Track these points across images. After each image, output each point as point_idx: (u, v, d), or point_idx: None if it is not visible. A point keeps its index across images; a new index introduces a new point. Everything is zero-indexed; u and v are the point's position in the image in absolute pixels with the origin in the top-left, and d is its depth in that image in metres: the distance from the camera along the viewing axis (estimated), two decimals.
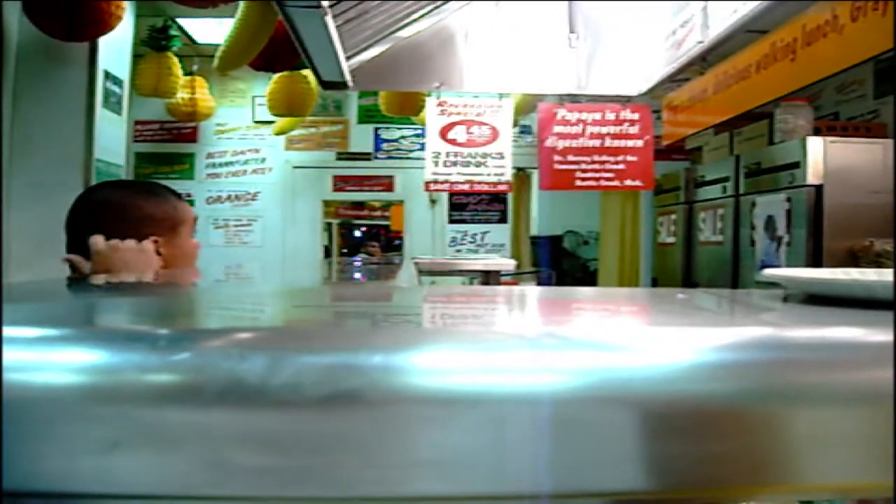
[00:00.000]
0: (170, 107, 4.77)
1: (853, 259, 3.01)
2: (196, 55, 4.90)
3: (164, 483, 0.31)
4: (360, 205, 7.67)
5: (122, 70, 3.50)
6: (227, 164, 5.77)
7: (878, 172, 3.10)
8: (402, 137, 5.85)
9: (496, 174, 4.05)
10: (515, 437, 0.32)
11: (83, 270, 1.31)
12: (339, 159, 5.87)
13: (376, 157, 5.87)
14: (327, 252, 6.67)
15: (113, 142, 3.39)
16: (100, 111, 3.21)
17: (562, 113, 3.78)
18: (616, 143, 3.77)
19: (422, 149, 4.81)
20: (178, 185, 5.30)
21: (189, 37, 4.79)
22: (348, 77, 3.23)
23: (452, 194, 5.59)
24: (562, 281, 6.48)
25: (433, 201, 5.83)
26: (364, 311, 0.67)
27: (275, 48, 3.41)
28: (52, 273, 1.41)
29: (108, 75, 3.30)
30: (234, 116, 5.72)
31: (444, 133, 4.02)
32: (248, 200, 5.78)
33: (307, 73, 3.96)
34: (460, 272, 3.95)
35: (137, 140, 5.56)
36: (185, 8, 3.10)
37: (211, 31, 4.60)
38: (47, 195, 2.82)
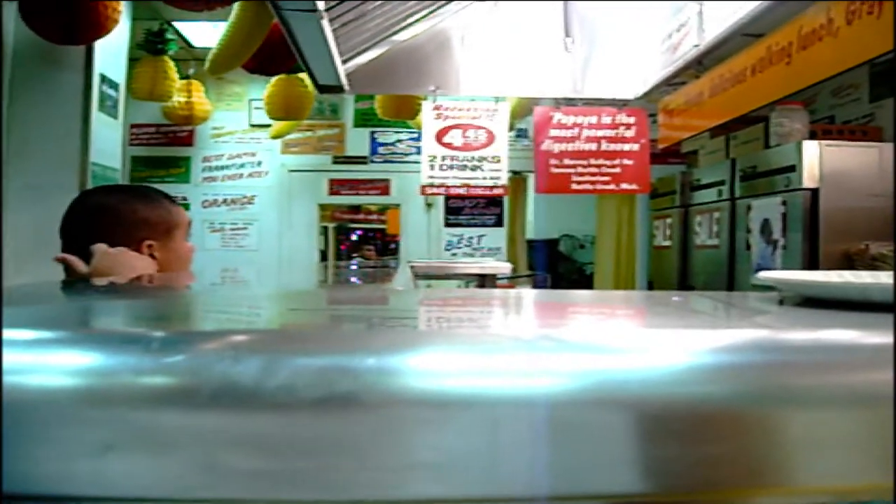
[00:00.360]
0: (166, 110, 4.77)
1: (849, 262, 3.01)
2: (192, 59, 4.89)
3: (159, 486, 0.31)
4: (356, 208, 7.65)
5: (119, 73, 3.50)
6: (223, 167, 5.76)
7: (873, 176, 3.10)
8: (399, 141, 5.85)
9: (492, 178, 4.06)
10: (511, 440, 0.31)
11: (80, 270, 1.30)
12: (335, 163, 5.87)
13: (372, 161, 5.86)
14: (323, 256, 6.66)
15: (109, 145, 3.38)
16: (96, 114, 3.21)
17: (558, 116, 3.79)
18: (612, 146, 3.78)
19: (418, 152, 4.81)
20: (175, 189, 5.32)
21: (185, 40, 4.78)
22: (344, 81, 3.23)
23: (448, 198, 5.58)
24: (558, 284, 6.48)
25: (429, 205, 5.83)
26: (359, 314, 0.67)
27: (269, 51, 3.41)
28: (48, 275, 1.41)
29: (104, 79, 3.30)
30: (230, 120, 5.71)
31: (440, 137, 4.03)
32: (245, 204, 5.77)
33: (304, 76, 3.95)
34: (456, 276, 3.95)
35: (133, 143, 5.54)
36: (181, 11, 3.10)
37: (207, 34, 4.59)
38: (43, 198, 2.82)
